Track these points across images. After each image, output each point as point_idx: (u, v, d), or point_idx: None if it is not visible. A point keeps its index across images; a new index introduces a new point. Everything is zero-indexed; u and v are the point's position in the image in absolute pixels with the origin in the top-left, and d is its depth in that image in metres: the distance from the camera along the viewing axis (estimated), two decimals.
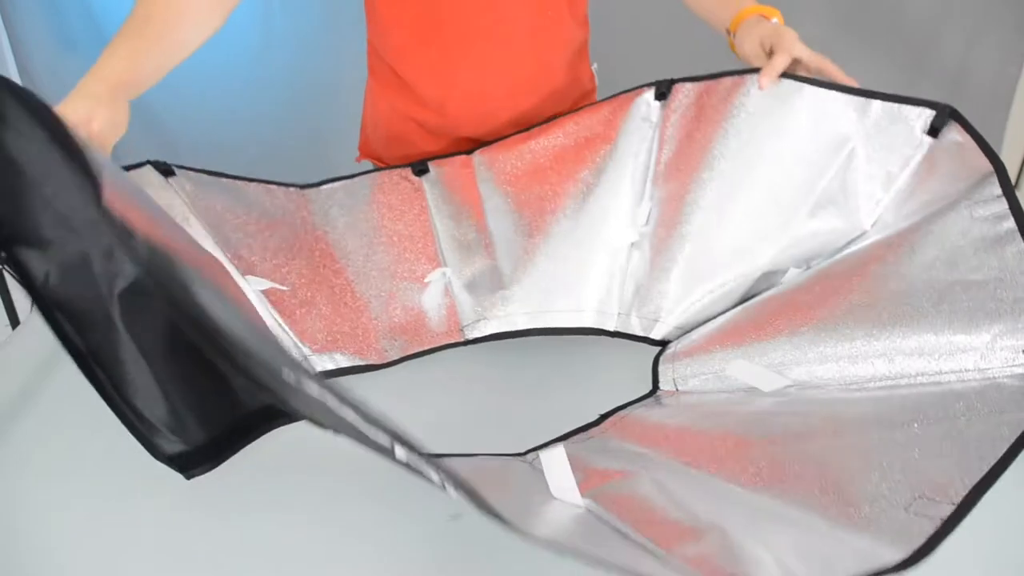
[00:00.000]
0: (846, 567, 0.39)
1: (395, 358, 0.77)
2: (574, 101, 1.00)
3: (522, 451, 0.60)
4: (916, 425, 0.48)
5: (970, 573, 0.51)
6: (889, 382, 0.54)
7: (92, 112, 0.66)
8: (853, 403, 0.54)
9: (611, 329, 0.77)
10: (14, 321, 0.71)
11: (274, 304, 0.74)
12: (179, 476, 0.55)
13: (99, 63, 0.72)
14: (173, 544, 0.57)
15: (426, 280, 0.82)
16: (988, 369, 0.51)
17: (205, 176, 0.78)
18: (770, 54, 0.74)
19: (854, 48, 2.02)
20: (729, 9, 0.83)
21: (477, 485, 0.39)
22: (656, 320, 0.74)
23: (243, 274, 0.73)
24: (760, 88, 0.71)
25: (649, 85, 0.82)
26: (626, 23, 1.72)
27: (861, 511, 0.44)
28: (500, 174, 0.87)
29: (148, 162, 0.74)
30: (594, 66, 1.04)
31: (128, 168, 0.73)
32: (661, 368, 0.69)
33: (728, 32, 0.82)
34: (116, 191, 0.43)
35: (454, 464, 0.54)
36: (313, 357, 0.73)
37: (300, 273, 0.77)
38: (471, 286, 0.82)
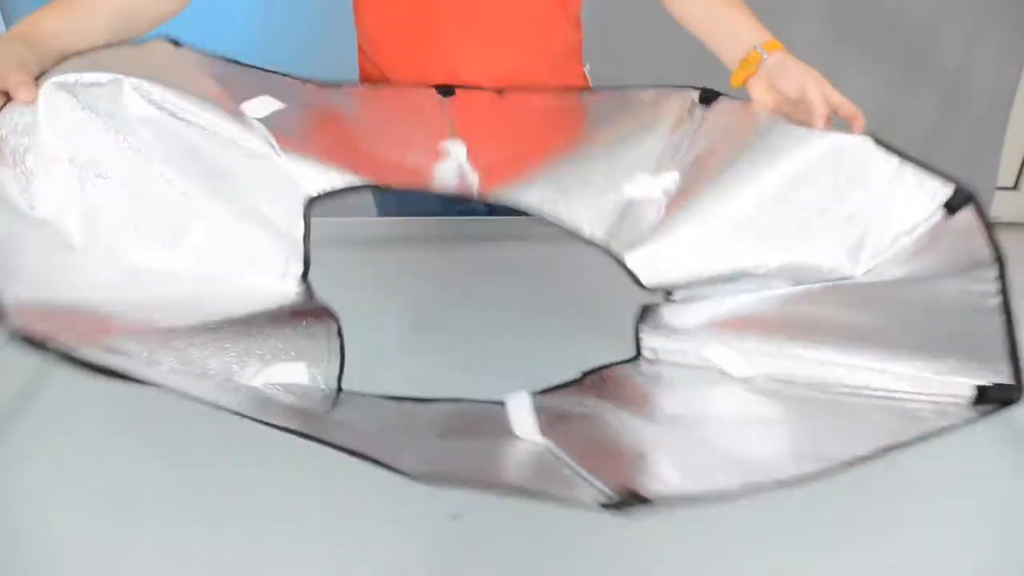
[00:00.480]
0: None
1: (393, 183, 0.75)
2: None
3: (498, 399, 0.63)
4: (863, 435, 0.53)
5: (970, 573, 0.51)
6: (846, 389, 0.59)
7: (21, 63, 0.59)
8: (792, 414, 0.59)
9: (600, 242, 0.75)
10: None
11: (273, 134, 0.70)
12: (179, 476, 0.55)
13: (30, 17, 0.66)
14: (173, 545, 0.57)
15: (440, 148, 0.79)
16: (935, 396, 0.55)
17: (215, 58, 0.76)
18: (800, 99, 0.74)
19: (854, 48, 2.02)
20: (731, 33, 0.80)
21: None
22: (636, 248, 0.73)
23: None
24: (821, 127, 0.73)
25: (695, 88, 0.83)
26: (621, 23, 1.72)
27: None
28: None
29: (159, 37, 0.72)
30: (586, 67, 1.04)
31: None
32: (644, 336, 0.70)
33: (760, 52, 0.77)
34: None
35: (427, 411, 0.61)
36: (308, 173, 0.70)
37: (304, 122, 0.75)
38: (488, 167, 0.79)
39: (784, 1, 1.96)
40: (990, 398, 0.54)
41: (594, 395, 0.64)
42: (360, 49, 0.99)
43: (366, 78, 1.01)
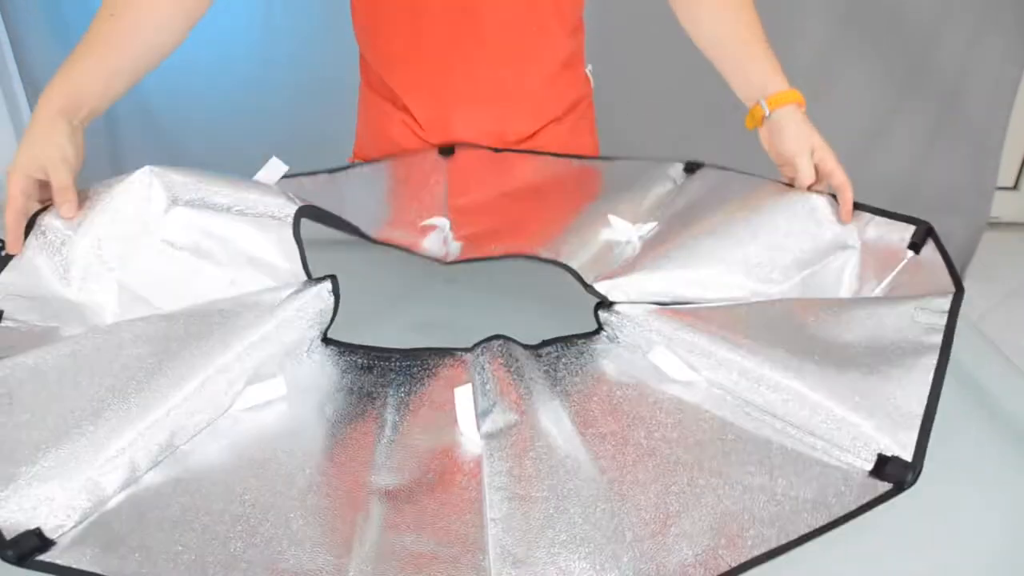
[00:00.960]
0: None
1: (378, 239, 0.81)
2: (568, 107, 1.01)
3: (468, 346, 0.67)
4: (759, 476, 0.55)
5: (970, 573, 0.51)
6: (770, 418, 0.60)
7: (51, 170, 0.66)
8: (728, 424, 0.60)
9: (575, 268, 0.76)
10: None
11: None
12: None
13: (62, 75, 0.70)
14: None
15: (425, 223, 0.84)
16: (847, 452, 0.56)
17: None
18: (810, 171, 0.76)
19: (855, 48, 2.02)
20: (755, 69, 0.80)
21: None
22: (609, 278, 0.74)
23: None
24: (843, 222, 0.75)
25: (680, 161, 0.90)
26: (623, 24, 1.72)
27: (668, 531, 0.51)
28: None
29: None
30: (588, 67, 1.04)
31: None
32: (602, 316, 0.71)
33: (763, 107, 0.78)
34: None
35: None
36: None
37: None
38: (470, 237, 0.83)
39: (788, 1, 1.96)
40: (886, 473, 0.54)
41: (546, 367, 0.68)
42: (361, 56, 1.00)
43: (367, 82, 1.02)
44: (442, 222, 0.85)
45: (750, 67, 0.80)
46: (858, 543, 0.52)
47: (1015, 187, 2.49)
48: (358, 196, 0.90)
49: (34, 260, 0.67)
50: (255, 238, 0.70)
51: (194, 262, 0.70)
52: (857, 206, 0.76)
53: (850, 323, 0.65)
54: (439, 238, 0.85)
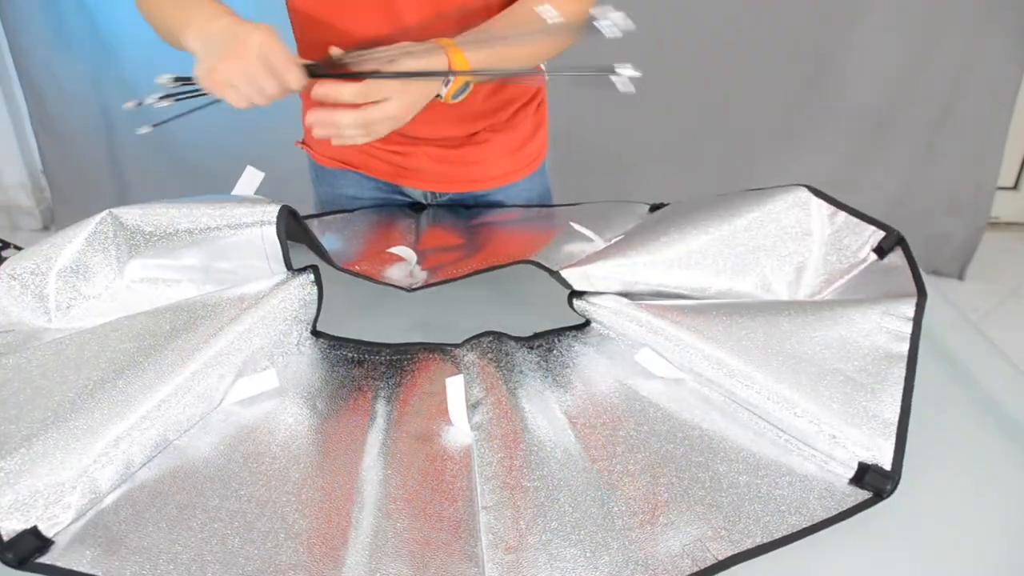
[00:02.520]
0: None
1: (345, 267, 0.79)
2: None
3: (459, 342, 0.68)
4: (744, 474, 0.56)
5: (970, 572, 0.51)
6: (755, 419, 0.61)
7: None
8: (715, 421, 0.61)
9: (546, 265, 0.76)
10: None
11: None
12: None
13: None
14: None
15: (390, 251, 0.82)
16: (830, 458, 0.57)
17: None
18: None
19: (855, 48, 2.02)
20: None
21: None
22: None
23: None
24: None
25: (646, 203, 0.93)
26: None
27: (657, 519, 0.52)
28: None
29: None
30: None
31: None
32: (577, 305, 0.72)
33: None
34: None
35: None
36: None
37: None
38: (435, 268, 0.82)
39: (786, 2, 1.96)
40: (866, 482, 0.55)
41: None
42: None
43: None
44: (408, 253, 0.83)
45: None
46: (858, 542, 0.52)
47: (1015, 187, 2.49)
48: (331, 238, 0.91)
49: (6, 306, 0.68)
50: (227, 251, 0.69)
51: (168, 289, 0.71)
52: (837, 204, 0.77)
53: (822, 329, 0.65)
54: (405, 269, 0.83)
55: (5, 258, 0.67)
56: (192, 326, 0.62)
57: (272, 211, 0.68)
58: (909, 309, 0.67)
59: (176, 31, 0.71)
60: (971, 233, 2.20)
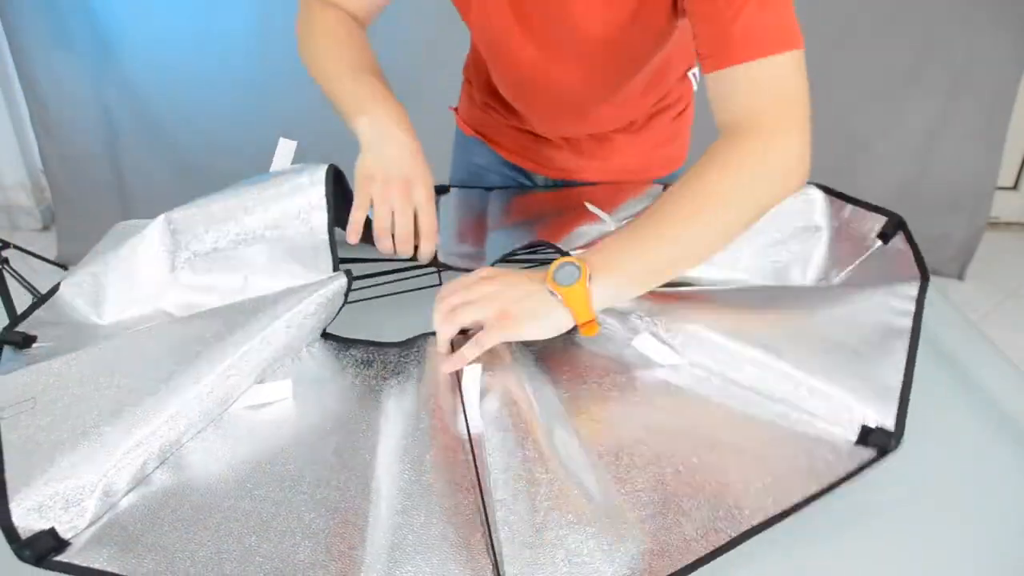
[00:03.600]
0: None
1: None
2: (652, 109, 0.98)
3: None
4: (749, 450, 0.57)
5: (970, 572, 0.51)
6: (754, 395, 0.62)
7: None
8: (715, 403, 0.62)
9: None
10: (14, 321, 0.72)
11: None
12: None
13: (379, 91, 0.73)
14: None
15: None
16: (833, 424, 0.59)
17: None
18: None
19: (856, 48, 2.02)
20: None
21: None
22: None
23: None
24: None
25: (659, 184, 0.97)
26: None
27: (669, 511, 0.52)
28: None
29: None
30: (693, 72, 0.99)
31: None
32: None
33: None
34: None
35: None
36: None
37: None
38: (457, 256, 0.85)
39: None
40: (870, 442, 0.56)
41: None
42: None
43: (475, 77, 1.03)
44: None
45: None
46: (859, 543, 0.52)
47: (1015, 187, 2.49)
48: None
49: (72, 300, 0.71)
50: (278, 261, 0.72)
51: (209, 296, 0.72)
52: (836, 195, 0.79)
53: (826, 307, 0.67)
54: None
55: (5, 258, 0.67)
56: (226, 334, 0.62)
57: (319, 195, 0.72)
58: (912, 290, 0.69)
59: (344, 105, 0.74)
60: (971, 233, 2.20)
